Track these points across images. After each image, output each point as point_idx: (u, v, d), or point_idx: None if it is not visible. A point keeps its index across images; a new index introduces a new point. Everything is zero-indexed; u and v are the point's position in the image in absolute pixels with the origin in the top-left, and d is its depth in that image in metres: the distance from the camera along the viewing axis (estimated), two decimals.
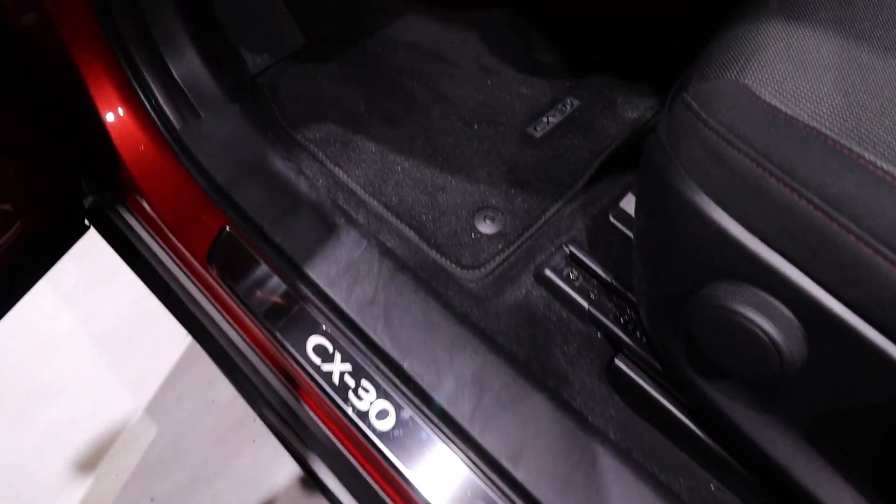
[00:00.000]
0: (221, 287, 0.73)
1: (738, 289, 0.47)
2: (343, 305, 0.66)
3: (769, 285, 0.45)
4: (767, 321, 0.46)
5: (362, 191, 0.91)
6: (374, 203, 0.89)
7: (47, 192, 0.89)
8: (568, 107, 1.05)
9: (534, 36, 1.17)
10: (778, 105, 0.46)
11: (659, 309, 0.60)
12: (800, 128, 0.43)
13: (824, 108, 0.45)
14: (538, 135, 1.00)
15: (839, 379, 0.46)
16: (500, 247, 0.85)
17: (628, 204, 0.82)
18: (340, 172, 0.92)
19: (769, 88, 0.47)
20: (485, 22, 1.19)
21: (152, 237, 0.84)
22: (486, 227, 0.88)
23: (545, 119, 1.03)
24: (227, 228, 0.73)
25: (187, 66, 0.79)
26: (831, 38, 0.52)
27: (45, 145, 0.86)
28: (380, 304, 0.66)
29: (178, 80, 0.78)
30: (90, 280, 1.43)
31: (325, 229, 0.72)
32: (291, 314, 0.68)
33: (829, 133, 0.43)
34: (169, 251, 0.81)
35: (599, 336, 0.72)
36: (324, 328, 0.67)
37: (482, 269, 0.83)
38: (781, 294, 0.45)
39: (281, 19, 1.12)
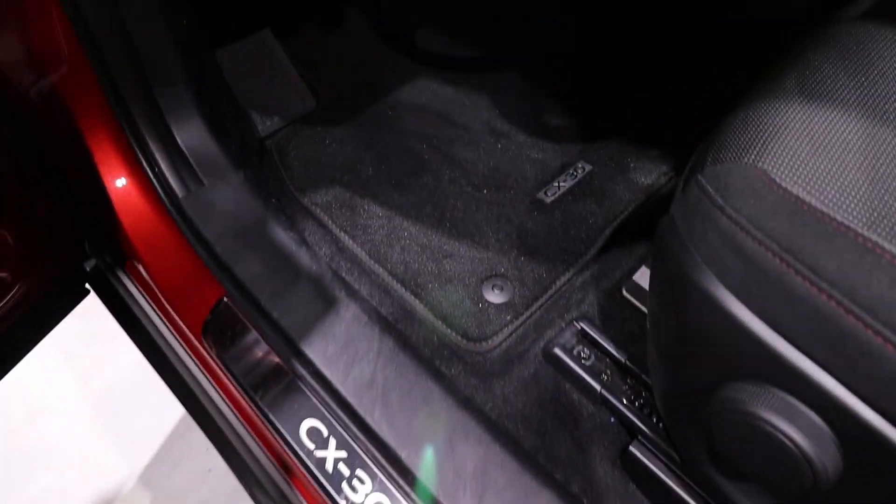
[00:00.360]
0: (215, 361, 0.70)
1: (763, 392, 0.43)
2: (340, 387, 0.63)
3: (797, 390, 0.41)
4: (797, 430, 0.41)
5: (367, 257, 0.88)
6: (378, 270, 0.87)
7: (48, 256, 0.88)
8: (579, 171, 1.03)
9: (544, 99, 1.16)
10: (800, 194, 0.43)
11: (676, 401, 0.55)
12: (825, 221, 0.40)
13: (850, 198, 0.42)
14: (549, 200, 0.98)
15: (879, 496, 0.41)
16: (508, 318, 0.82)
17: (642, 277, 0.79)
18: (346, 238, 0.90)
19: (790, 174, 0.45)
20: (496, 85, 1.19)
21: (150, 305, 0.82)
22: (494, 297, 0.85)
23: (556, 184, 1.01)
24: (224, 300, 0.71)
25: (192, 133, 0.78)
26: (854, 118, 0.49)
27: (48, 208, 0.85)
28: (378, 387, 0.63)
29: (183, 147, 0.77)
30: (91, 339, 1.41)
31: (324, 303, 0.69)
32: (286, 394, 0.65)
33: (857, 227, 0.39)
34: (165, 320, 0.79)
35: (613, 421, 0.68)
36: (319, 410, 0.63)
37: (489, 342, 0.79)
38: (811, 401, 0.41)
39: (292, 82, 1.13)
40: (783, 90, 0.53)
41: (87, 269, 0.93)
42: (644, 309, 0.75)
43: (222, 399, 0.73)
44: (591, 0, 1.26)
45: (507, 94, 1.17)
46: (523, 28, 1.30)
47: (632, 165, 1.02)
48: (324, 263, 0.73)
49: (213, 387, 0.73)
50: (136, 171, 0.76)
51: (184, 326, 0.74)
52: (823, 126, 0.48)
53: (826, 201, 0.41)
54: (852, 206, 0.41)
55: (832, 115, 0.49)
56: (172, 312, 0.75)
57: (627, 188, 0.99)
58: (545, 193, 0.99)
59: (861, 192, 0.42)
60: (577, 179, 1.01)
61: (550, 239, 0.92)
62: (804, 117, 0.49)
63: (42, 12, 0.68)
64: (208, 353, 0.71)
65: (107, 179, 0.77)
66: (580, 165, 1.04)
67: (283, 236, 0.75)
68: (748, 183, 0.45)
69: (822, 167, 0.45)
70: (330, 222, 0.92)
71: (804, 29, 0.68)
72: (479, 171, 1.03)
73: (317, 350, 0.65)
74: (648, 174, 1.00)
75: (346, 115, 1.11)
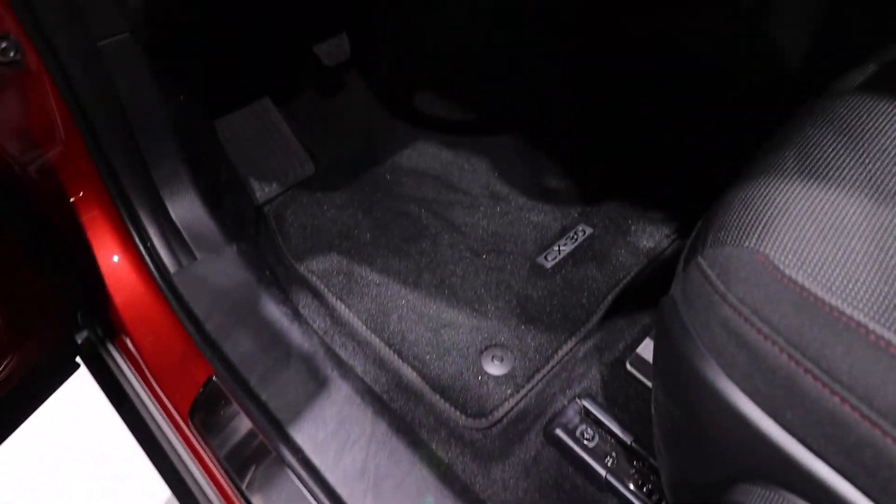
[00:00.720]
0: (202, 444, 0.67)
1: (776, 497, 0.40)
2: (329, 475, 0.60)
3: (814, 498, 0.38)
4: None
5: (363, 327, 0.86)
6: (375, 341, 0.84)
7: (39, 330, 0.86)
8: (580, 235, 1.01)
9: (544, 160, 1.16)
10: (805, 282, 0.41)
11: (685, 493, 0.52)
12: (833, 314, 0.38)
13: (858, 287, 0.40)
14: (549, 265, 0.96)
15: None
16: (508, 391, 0.79)
17: (646, 350, 0.76)
18: (342, 307, 0.88)
19: (793, 260, 0.43)
20: (494, 148, 1.19)
21: (139, 381, 0.79)
22: (493, 369, 0.82)
23: (556, 248, 0.99)
24: (213, 380, 0.69)
25: (187, 207, 0.78)
26: (857, 199, 0.47)
27: (41, 283, 0.84)
28: (370, 475, 0.60)
29: (177, 221, 0.77)
30: (80, 411, 1.38)
31: (315, 384, 0.67)
32: (273, 482, 0.62)
33: (867, 323, 0.37)
34: (153, 398, 0.76)
35: None
36: (308, 501, 0.60)
37: (489, 418, 0.76)
38: None
39: (290, 148, 1.13)
40: (783, 167, 0.51)
41: (79, 341, 0.91)
42: (649, 384, 0.72)
43: (208, 484, 0.69)
44: (589, 62, 1.27)
45: (506, 156, 1.17)
46: (522, 90, 1.31)
47: (633, 228, 1.01)
48: (316, 340, 0.71)
49: (200, 470, 0.70)
50: (128, 246, 0.75)
51: (171, 406, 0.72)
52: (826, 207, 0.47)
53: (833, 291, 0.39)
54: (861, 296, 0.39)
55: (834, 196, 0.48)
56: (160, 391, 0.73)
57: (629, 252, 0.97)
58: (545, 258, 0.97)
59: (869, 281, 0.40)
60: (577, 243, 1.00)
61: (551, 306, 0.90)
62: (806, 197, 0.48)
63: (38, 91, 0.68)
64: (195, 435, 0.69)
65: (98, 254, 0.76)
66: (580, 228, 1.02)
67: (275, 311, 0.73)
68: (750, 269, 0.43)
69: (827, 252, 0.43)
70: (326, 291, 0.91)
71: (800, 94, 0.67)
72: (479, 236, 1.02)
73: (307, 435, 0.62)
74: (650, 237, 0.99)
75: (345, 179, 1.11)
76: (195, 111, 0.86)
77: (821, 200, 0.47)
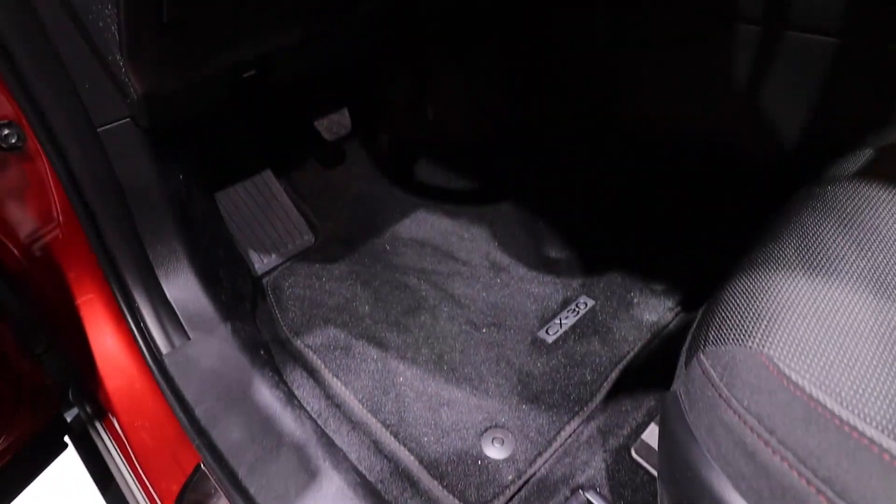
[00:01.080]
0: None
1: None
2: None
3: None
4: None
5: (360, 406, 0.84)
6: (371, 422, 0.82)
7: (30, 409, 0.84)
8: (581, 307, 1.00)
9: (544, 231, 1.15)
10: (813, 392, 0.39)
11: None
12: (845, 430, 0.36)
13: (869, 397, 0.38)
14: (551, 339, 0.94)
15: None
16: (509, 478, 0.75)
17: (652, 436, 0.73)
18: (338, 384, 0.86)
19: (799, 364, 0.41)
20: (495, 217, 1.19)
21: (126, 466, 0.77)
22: (494, 452, 0.79)
23: (558, 321, 0.97)
24: (201, 468, 0.66)
25: (182, 286, 0.77)
26: (861, 295, 0.46)
27: (32, 361, 0.83)
28: None
29: (171, 301, 0.76)
30: (69, 492, 1.34)
31: (306, 476, 0.64)
32: None
33: (882, 441, 0.35)
34: (139, 485, 0.74)
35: None
36: None
37: None
38: None
39: (291, 219, 1.13)
40: (784, 259, 0.50)
41: (69, 419, 0.89)
42: (655, 473, 0.69)
43: None
44: (590, 136, 1.29)
45: (507, 225, 1.17)
46: (522, 159, 1.32)
47: (635, 300, 0.99)
48: (309, 426, 0.69)
49: None
50: (120, 327, 0.74)
51: (156, 495, 0.69)
52: (830, 304, 0.45)
53: (843, 402, 0.37)
54: (872, 407, 0.37)
55: (838, 291, 0.46)
56: (146, 478, 0.70)
57: (632, 325, 0.95)
58: (546, 332, 0.96)
59: (880, 388, 0.38)
60: (579, 316, 0.98)
61: (553, 383, 0.87)
62: (809, 293, 0.47)
63: (38, 175, 0.69)
64: None
65: (91, 334, 0.75)
66: (582, 300, 1.01)
67: (268, 395, 0.71)
68: (754, 372, 0.42)
69: (834, 355, 0.41)
70: (322, 367, 0.89)
71: (796, 177, 0.67)
72: (479, 308, 1.00)
73: None
74: (653, 310, 0.97)
75: (344, 250, 1.11)
76: (195, 188, 0.86)
77: (824, 297, 0.46)
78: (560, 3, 1.15)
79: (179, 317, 0.76)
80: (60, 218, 0.69)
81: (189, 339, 0.75)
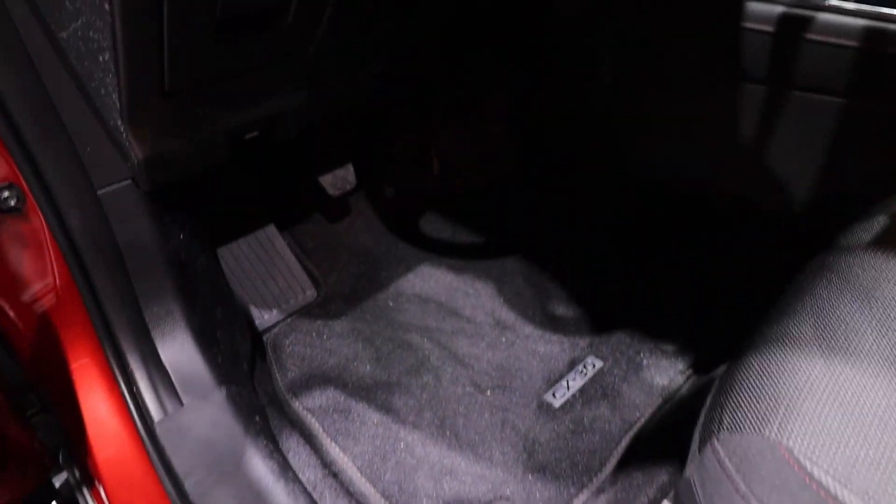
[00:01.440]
0: None
1: None
2: None
3: None
4: None
5: (358, 474, 0.81)
6: (369, 492, 0.78)
7: (17, 475, 0.81)
8: (589, 368, 0.96)
9: (550, 288, 1.13)
10: (837, 492, 0.36)
11: None
12: None
13: None
14: (558, 403, 0.91)
15: None
16: None
17: None
18: (336, 450, 0.83)
19: (821, 457, 0.38)
20: (500, 272, 1.17)
21: None
22: None
23: (565, 383, 0.94)
24: None
25: (177, 349, 0.75)
26: (885, 378, 0.43)
27: (22, 425, 0.80)
28: None
29: (166, 364, 0.74)
30: None
31: None
32: None
33: None
34: None
35: None
36: None
37: None
38: None
39: (293, 273, 1.12)
40: (800, 338, 0.48)
41: (57, 485, 0.86)
42: None
43: None
44: (597, 194, 1.28)
45: (512, 280, 1.15)
46: (528, 213, 1.31)
47: (645, 362, 0.96)
48: (303, 501, 0.66)
49: None
50: (113, 393, 0.72)
51: None
52: (851, 387, 0.43)
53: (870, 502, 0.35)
54: None
55: (859, 374, 0.44)
56: None
57: (642, 389, 0.92)
58: (553, 395, 0.92)
59: None
60: (587, 378, 0.95)
61: (560, 451, 0.84)
62: (827, 375, 0.44)
63: (35, 238, 0.68)
64: None
65: (82, 400, 0.73)
66: (589, 361, 0.98)
67: (260, 468, 0.68)
68: (773, 466, 0.39)
69: (858, 448, 0.38)
70: (321, 431, 0.86)
71: (808, 243, 0.65)
72: (483, 369, 0.97)
73: None
74: (663, 373, 0.94)
75: (347, 306, 1.09)
76: (196, 245, 0.85)
77: (845, 380, 0.44)
78: (565, 57, 1.16)
79: (173, 381, 0.73)
80: (57, 280, 0.68)
81: (182, 404, 0.73)
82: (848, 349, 0.46)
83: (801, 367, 0.46)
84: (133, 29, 0.45)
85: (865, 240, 0.58)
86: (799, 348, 0.47)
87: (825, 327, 0.48)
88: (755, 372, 0.47)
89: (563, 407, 0.90)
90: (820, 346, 0.46)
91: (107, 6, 0.43)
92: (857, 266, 0.54)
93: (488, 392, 0.93)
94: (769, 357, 0.48)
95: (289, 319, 1.06)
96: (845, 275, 0.53)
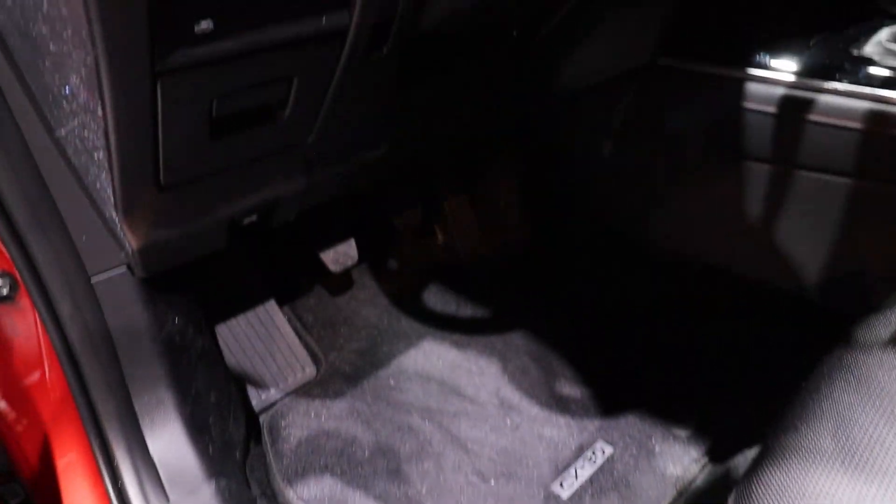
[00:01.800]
0: None
1: None
2: None
3: None
4: None
5: None
6: None
7: None
8: (598, 455, 0.92)
9: (557, 366, 1.10)
10: None
11: None
12: None
13: None
14: (566, 495, 0.86)
15: None
16: None
17: None
18: None
19: None
20: (505, 349, 1.14)
21: None
22: None
23: (573, 471, 0.90)
24: None
25: (167, 439, 0.72)
26: None
27: None
28: None
29: (154, 457, 0.71)
30: None
31: None
32: None
33: None
34: None
35: None
36: None
37: None
38: None
39: (293, 350, 1.10)
40: (819, 451, 0.45)
41: None
42: None
43: None
44: (605, 269, 1.27)
45: (517, 358, 1.12)
46: (533, 287, 1.29)
47: (657, 449, 0.92)
48: None
49: None
50: (97, 487, 0.68)
51: None
52: None
53: None
54: None
55: (883, 491, 0.40)
56: None
57: (654, 479, 0.87)
58: (561, 485, 0.88)
59: None
60: (596, 466, 0.90)
61: None
62: (850, 494, 0.41)
63: (26, 326, 0.67)
64: None
65: (65, 492, 0.69)
66: (599, 447, 0.93)
67: None
68: None
69: None
70: None
71: (823, 335, 0.62)
72: (487, 455, 0.93)
73: None
74: (677, 461, 0.89)
75: (347, 384, 1.06)
76: (191, 327, 0.84)
77: (869, 499, 0.40)
78: (568, 130, 1.16)
79: (161, 474, 0.70)
80: (48, 371, 0.67)
81: (168, 500, 0.69)
82: (871, 464, 0.43)
83: (820, 483, 0.42)
84: (126, 132, 0.45)
85: (883, 337, 0.55)
86: (820, 464, 0.44)
87: (845, 438, 0.45)
88: (774, 490, 0.44)
89: (571, 499, 0.85)
90: (843, 463, 0.43)
91: (100, 112, 0.43)
92: (876, 366, 0.51)
93: (492, 481, 0.89)
94: (786, 470, 0.45)
95: (287, 399, 1.03)
96: (864, 378, 0.50)
